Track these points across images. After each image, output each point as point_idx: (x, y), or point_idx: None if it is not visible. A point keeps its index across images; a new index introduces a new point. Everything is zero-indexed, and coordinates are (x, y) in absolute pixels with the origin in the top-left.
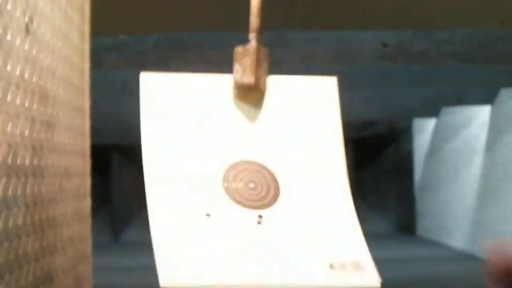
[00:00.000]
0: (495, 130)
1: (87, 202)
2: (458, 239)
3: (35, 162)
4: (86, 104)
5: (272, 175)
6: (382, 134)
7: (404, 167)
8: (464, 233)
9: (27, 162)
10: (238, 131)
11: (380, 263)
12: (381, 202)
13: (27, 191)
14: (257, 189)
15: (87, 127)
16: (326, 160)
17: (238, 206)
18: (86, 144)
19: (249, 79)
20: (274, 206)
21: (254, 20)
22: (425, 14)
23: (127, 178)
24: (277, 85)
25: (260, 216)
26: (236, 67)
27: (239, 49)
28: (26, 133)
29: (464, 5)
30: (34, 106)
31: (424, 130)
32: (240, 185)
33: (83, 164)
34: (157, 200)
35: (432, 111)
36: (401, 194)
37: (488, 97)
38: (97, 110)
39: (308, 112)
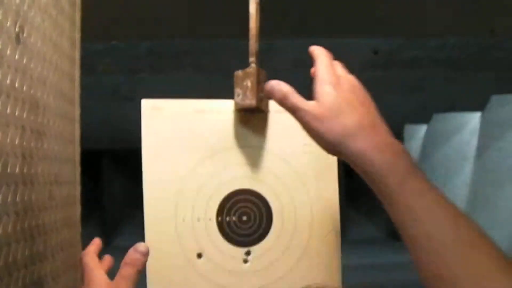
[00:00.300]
0: (485, 137)
1: (77, 209)
2: None
3: (25, 170)
4: (77, 112)
5: (267, 206)
6: None
7: None
8: None
9: (17, 170)
10: (238, 159)
11: (371, 269)
12: (373, 208)
13: (17, 199)
14: (250, 223)
15: (77, 134)
16: (319, 195)
17: (229, 244)
18: (76, 152)
19: (250, 101)
20: (263, 241)
21: (253, 43)
22: (416, 22)
23: (119, 183)
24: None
25: (247, 253)
26: (237, 90)
27: (239, 73)
28: (17, 141)
29: (455, 14)
30: (25, 115)
31: (415, 136)
32: (234, 218)
33: (73, 172)
34: (153, 238)
35: (424, 117)
36: None
37: (478, 104)
38: (89, 116)
39: (304, 139)
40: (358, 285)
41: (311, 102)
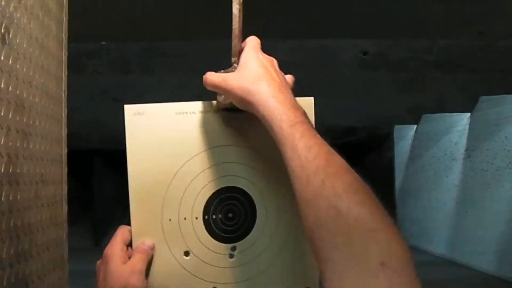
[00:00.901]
0: (474, 138)
1: (64, 209)
2: (438, 245)
3: (11, 170)
4: (63, 113)
5: (251, 202)
6: (364, 141)
7: (385, 174)
8: (444, 239)
9: (2, 170)
10: (221, 157)
11: None
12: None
13: (3, 198)
14: (235, 219)
15: (64, 135)
16: None
17: (215, 241)
18: (63, 152)
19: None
20: (248, 236)
21: (236, 43)
22: (404, 23)
23: (110, 183)
24: None
25: (233, 248)
26: None
27: (221, 73)
28: (2, 141)
29: (444, 16)
30: (10, 115)
31: (405, 137)
32: (220, 216)
33: (59, 172)
34: (140, 239)
35: (413, 118)
36: (382, 200)
37: (467, 105)
38: (79, 116)
39: None
40: None
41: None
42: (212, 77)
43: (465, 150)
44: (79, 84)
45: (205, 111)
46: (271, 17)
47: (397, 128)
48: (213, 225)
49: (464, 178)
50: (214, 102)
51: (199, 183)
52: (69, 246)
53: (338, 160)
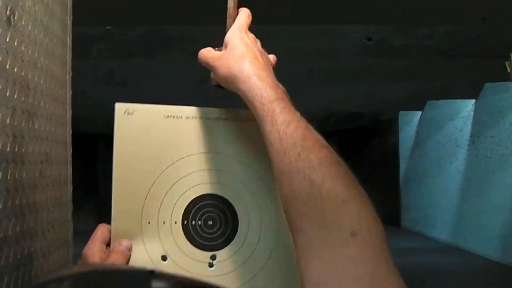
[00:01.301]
0: (479, 124)
1: (68, 189)
2: (442, 231)
3: (16, 149)
4: (68, 94)
5: (233, 212)
6: (368, 127)
7: (389, 159)
8: (448, 225)
9: (8, 149)
10: (205, 164)
11: None
12: (367, 194)
13: (9, 176)
14: (215, 227)
15: (69, 116)
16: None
17: (193, 248)
18: (67, 133)
19: None
20: (229, 246)
21: (230, 22)
22: (407, 10)
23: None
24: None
25: (213, 257)
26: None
27: (216, 51)
28: (8, 121)
29: (446, 2)
30: (15, 96)
31: (410, 123)
32: (200, 222)
33: (64, 152)
34: (119, 238)
35: (418, 104)
36: (386, 186)
37: (472, 92)
38: (84, 100)
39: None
40: None
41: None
42: (204, 53)
43: (470, 137)
44: (84, 68)
45: (193, 117)
46: (274, 2)
47: (402, 114)
48: (192, 231)
49: (468, 164)
50: (205, 108)
51: (181, 188)
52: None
53: (315, 135)
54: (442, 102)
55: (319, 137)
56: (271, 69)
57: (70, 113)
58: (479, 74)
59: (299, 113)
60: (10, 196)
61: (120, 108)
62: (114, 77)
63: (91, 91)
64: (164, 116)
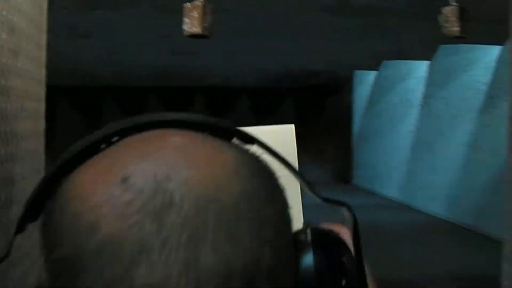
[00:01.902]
0: (432, 85)
1: (42, 123)
2: (391, 188)
3: (3, 82)
4: (44, 39)
5: None
6: (324, 85)
7: (344, 118)
8: (397, 183)
9: None
10: None
11: (316, 210)
12: (320, 152)
13: None
14: None
15: (44, 58)
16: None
17: None
18: (42, 73)
19: (197, 29)
20: None
21: None
22: None
23: (75, 120)
24: None
25: None
26: (186, 20)
27: (188, 5)
28: None
29: None
30: (3, 36)
31: (364, 82)
32: None
33: (40, 90)
34: None
35: (374, 64)
36: (339, 144)
37: (428, 53)
38: (47, 52)
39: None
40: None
41: None
42: None
43: (423, 98)
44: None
45: None
46: None
47: (357, 73)
48: None
49: (420, 124)
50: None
51: None
52: None
53: None
54: (397, 62)
55: None
56: None
57: (45, 57)
58: (435, 36)
59: None
60: None
61: None
62: (76, 30)
63: (53, 45)
64: None
